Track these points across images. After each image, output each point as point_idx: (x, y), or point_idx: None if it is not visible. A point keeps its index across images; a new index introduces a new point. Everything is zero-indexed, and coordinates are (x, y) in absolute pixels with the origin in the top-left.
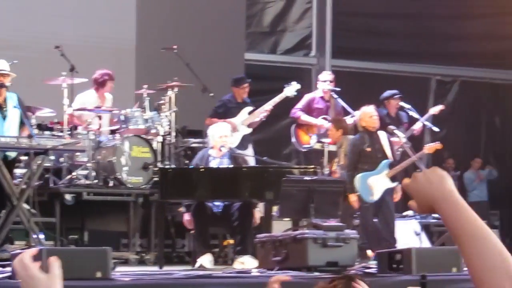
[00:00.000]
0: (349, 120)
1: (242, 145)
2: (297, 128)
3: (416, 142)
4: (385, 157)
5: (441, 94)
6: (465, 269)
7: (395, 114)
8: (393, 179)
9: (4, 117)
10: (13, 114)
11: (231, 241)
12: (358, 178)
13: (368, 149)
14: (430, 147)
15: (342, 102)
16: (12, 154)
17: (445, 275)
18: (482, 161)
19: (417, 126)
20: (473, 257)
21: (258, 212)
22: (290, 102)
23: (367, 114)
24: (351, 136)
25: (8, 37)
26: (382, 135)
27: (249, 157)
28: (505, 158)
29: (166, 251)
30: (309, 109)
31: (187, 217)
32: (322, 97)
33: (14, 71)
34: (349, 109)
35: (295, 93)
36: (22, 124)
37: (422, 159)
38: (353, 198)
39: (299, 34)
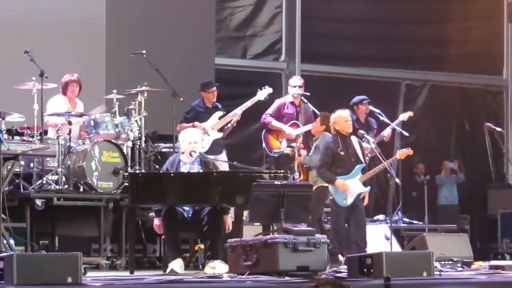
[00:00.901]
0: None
1: (215, 150)
2: (267, 134)
3: (386, 147)
4: (359, 161)
5: (411, 99)
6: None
7: (364, 119)
8: (364, 184)
9: None
10: None
11: (202, 246)
12: None
13: (342, 153)
14: (401, 153)
15: (312, 107)
16: None
17: (415, 279)
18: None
19: (386, 132)
20: None
21: (231, 218)
22: (260, 107)
23: (343, 118)
24: (329, 135)
25: None
26: (354, 140)
27: (220, 162)
28: (474, 162)
29: (137, 256)
30: (279, 115)
31: (157, 222)
32: (292, 102)
33: None
34: (318, 114)
35: (267, 97)
36: None
37: (393, 164)
38: (339, 182)
39: (269, 38)
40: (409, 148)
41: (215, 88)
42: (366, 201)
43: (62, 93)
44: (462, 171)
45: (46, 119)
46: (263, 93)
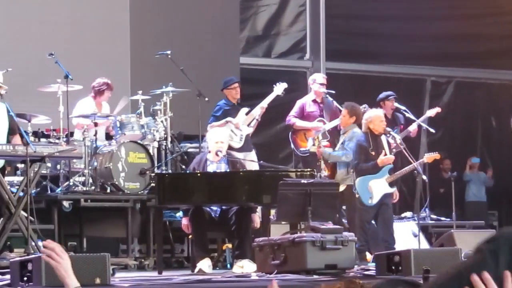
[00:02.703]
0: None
1: (246, 147)
2: (293, 135)
3: (412, 143)
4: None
5: (436, 95)
6: None
7: (391, 115)
8: (391, 184)
9: None
10: (2, 122)
11: (230, 246)
12: (359, 180)
13: (372, 153)
14: (429, 157)
15: (337, 104)
16: (1, 163)
17: None
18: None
19: (412, 128)
20: None
21: (258, 216)
22: (285, 106)
23: (379, 118)
24: (358, 132)
25: (1, 44)
26: (383, 140)
27: (247, 161)
28: (501, 158)
29: (165, 256)
30: (302, 115)
31: (185, 221)
32: (314, 100)
33: (8, 79)
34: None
35: (284, 92)
36: (11, 135)
37: (420, 165)
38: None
39: (293, 37)
40: (437, 152)
41: (236, 84)
42: (396, 198)
43: (92, 96)
44: (492, 178)
45: (75, 121)
46: (279, 88)
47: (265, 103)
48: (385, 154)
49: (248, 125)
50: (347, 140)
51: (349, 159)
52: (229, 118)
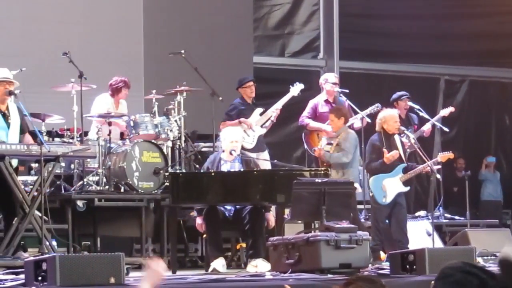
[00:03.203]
0: (355, 120)
1: (259, 147)
2: (307, 135)
3: (426, 142)
4: (400, 161)
5: (450, 94)
6: None
7: (404, 115)
8: (405, 183)
9: (8, 125)
10: (15, 122)
11: (244, 245)
12: (372, 179)
13: (386, 152)
14: (443, 156)
15: (350, 103)
16: (14, 163)
17: None
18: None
19: (426, 127)
20: None
21: (273, 215)
22: (299, 105)
23: (393, 118)
24: (352, 132)
25: (16, 44)
26: (397, 139)
27: (261, 160)
28: None
29: (179, 255)
30: (315, 116)
31: (199, 221)
32: (326, 100)
33: (22, 79)
34: (357, 110)
35: (300, 93)
36: (21, 134)
37: (434, 164)
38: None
39: (307, 36)
40: (450, 151)
41: (251, 82)
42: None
43: (110, 94)
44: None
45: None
46: (295, 89)
47: (280, 104)
48: (399, 154)
49: (262, 125)
50: (342, 142)
51: (349, 158)
52: (242, 119)
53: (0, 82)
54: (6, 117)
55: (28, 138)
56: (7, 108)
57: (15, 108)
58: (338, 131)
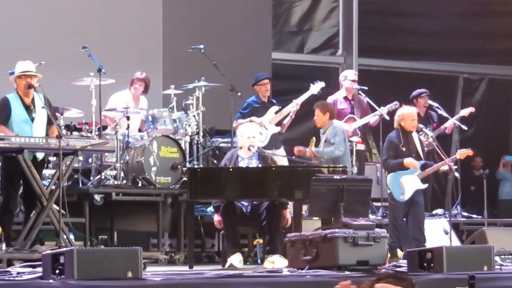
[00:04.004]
0: (373, 117)
1: (273, 144)
2: None
3: (444, 140)
4: (419, 158)
5: (469, 92)
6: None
7: (424, 113)
8: (423, 180)
9: (32, 119)
10: (41, 114)
11: (261, 241)
12: (390, 176)
13: (403, 149)
14: (461, 153)
15: (368, 100)
16: (40, 156)
17: (476, 274)
18: None
19: (449, 124)
20: None
21: (289, 213)
22: (316, 102)
23: (411, 116)
24: (337, 122)
25: (35, 38)
26: (415, 136)
27: (279, 157)
28: None
29: (196, 250)
30: None
31: (217, 217)
32: (345, 97)
33: (41, 72)
34: (376, 107)
35: (320, 91)
36: (49, 125)
37: (452, 161)
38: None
39: (326, 33)
40: (469, 148)
41: (266, 80)
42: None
43: (129, 88)
44: None
45: (104, 113)
46: (316, 87)
47: (299, 100)
48: (417, 151)
49: (278, 124)
50: (331, 136)
51: (341, 151)
52: (253, 118)
53: (22, 75)
54: (30, 110)
55: (53, 128)
56: (32, 101)
57: (42, 101)
58: (324, 126)
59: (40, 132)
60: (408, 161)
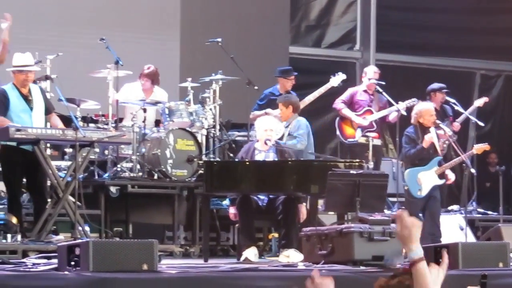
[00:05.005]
0: (392, 113)
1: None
2: (341, 122)
3: (459, 136)
4: (436, 153)
5: (485, 89)
6: None
7: (439, 107)
8: (440, 176)
9: (31, 108)
10: (39, 104)
11: (276, 235)
12: (407, 172)
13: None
14: (478, 148)
15: (386, 97)
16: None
17: (491, 270)
18: None
19: (456, 124)
20: None
21: (305, 207)
22: (333, 97)
23: (429, 112)
24: (303, 120)
25: (53, 30)
26: (433, 132)
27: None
28: None
29: (211, 244)
30: (351, 102)
31: (232, 211)
32: (365, 91)
33: (58, 64)
34: (393, 103)
35: (341, 84)
36: (46, 114)
37: (469, 157)
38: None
39: (344, 27)
40: (486, 143)
41: (293, 76)
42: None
43: (141, 83)
44: None
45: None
46: (336, 80)
47: (317, 92)
48: (435, 147)
49: None
50: (294, 130)
51: (303, 145)
52: (268, 110)
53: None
54: (28, 100)
55: (55, 117)
56: (29, 91)
57: (38, 91)
58: (288, 120)
59: (40, 121)
60: (428, 137)
